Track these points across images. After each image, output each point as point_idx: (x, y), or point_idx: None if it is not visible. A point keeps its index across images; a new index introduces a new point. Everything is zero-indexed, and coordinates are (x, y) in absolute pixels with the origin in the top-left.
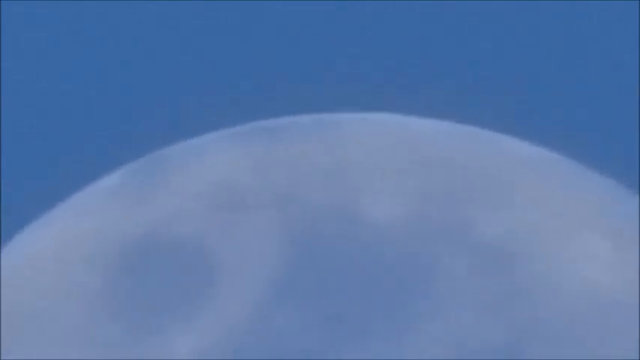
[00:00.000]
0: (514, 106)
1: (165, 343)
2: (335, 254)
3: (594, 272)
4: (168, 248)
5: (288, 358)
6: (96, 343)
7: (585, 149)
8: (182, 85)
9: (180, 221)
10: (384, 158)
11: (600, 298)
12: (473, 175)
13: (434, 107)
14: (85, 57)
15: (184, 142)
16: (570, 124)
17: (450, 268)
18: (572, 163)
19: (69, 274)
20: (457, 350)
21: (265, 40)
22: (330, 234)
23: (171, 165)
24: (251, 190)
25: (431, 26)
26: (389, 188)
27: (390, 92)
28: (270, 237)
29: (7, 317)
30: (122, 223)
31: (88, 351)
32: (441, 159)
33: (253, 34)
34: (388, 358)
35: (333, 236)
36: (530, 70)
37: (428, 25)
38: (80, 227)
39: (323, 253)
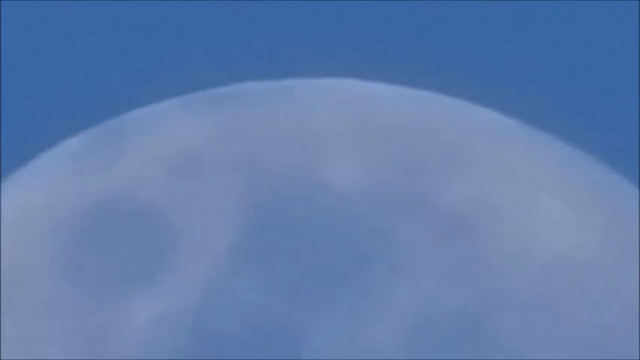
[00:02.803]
0: (475, 72)
1: (125, 311)
2: (295, 220)
3: (554, 238)
4: (128, 214)
5: (249, 323)
6: (55, 312)
7: (548, 117)
8: (142, 52)
9: (139, 187)
10: (344, 124)
11: (562, 264)
12: (433, 141)
13: (394, 73)
14: (54, 30)
15: (144, 108)
16: (528, 90)
17: (410, 234)
18: (531, 130)
19: (28, 242)
20: (418, 316)
21: (225, 5)
22: (290, 200)
23: (130, 131)
24: (211, 156)
25: None
26: (349, 154)
27: (352, 58)
28: (230, 202)
29: None
30: (81, 189)
31: (48, 320)
32: (401, 125)
33: (213, 2)
34: (349, 325)
35: (293, 202)
36: (491, 37)
37: None
38: (38, 194)
39: (283, 219)
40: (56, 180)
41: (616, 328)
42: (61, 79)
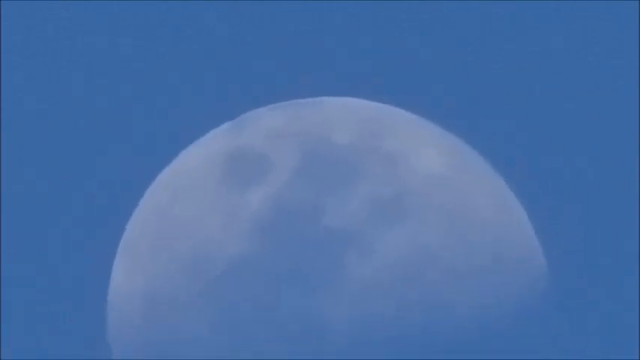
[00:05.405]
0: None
1: (247, 196)
2: (321, 157)
3: (431, 164)
4: (246, 155)
5: (301, 202)
6: (213, 200)
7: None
8: (255, 84)
9: (253, 142)
10: (343, 117)
11: (433, 176)
12: (380, 124)
13: (367, 93)
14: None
15: (256, 110)
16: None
17: (366, 162)
18: (424, 120)
19: (200, 168)
20: (363, 202)
21: (285, 55)
22: (318, 149)
23: (249, 120)
24: (284, 130)
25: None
26: (344, 129)
27: (341, 84)
28: (292, 149)
29: (176, 187)
30: (226, 144)
31: (209, 204)
32: (367, 118)
33: (282, 54)
34: (339, 198)
35: (320, 150)
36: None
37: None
38: (208, 147)
39: (315, 157)
40: (217, 140)
41: (460, 210)
42: (225, 96)
